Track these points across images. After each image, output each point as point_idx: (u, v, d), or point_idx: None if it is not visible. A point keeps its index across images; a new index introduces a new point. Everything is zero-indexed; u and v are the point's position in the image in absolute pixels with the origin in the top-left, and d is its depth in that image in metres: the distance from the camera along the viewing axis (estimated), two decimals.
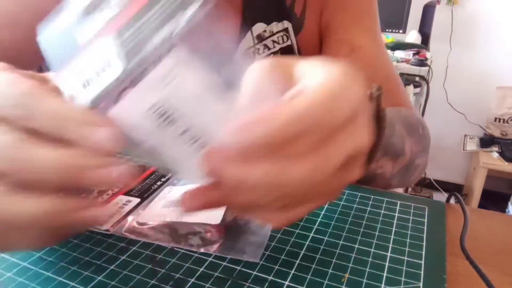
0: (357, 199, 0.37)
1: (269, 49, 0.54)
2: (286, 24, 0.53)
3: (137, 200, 0.36)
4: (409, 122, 0.46)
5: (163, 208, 0.34)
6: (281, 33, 0.53)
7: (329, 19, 0.53)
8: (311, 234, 0.32)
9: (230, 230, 0.31)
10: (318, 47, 0.55)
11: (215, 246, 0.30)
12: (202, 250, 0.29)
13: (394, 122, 0.41)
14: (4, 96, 0.20)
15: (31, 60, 0.53)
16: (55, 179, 0.21)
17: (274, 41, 0.54)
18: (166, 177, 0.40)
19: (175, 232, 0.31)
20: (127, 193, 0.38)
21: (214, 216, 0.31)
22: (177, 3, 0.20)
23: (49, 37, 0.21)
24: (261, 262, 0.29)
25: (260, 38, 0.53)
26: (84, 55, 0.21)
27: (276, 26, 0.53)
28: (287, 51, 0.54)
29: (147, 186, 0.39)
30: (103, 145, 0.20)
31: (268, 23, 0.53)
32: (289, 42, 0.54)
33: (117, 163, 0.21)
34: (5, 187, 0.21)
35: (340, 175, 0.20)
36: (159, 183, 0.39)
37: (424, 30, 2.04)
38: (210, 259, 0.29)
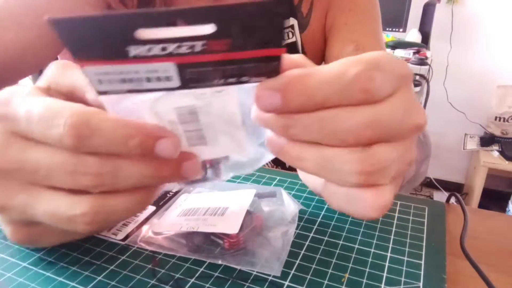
0: None
1: None
2: (292, 21, 0.54)
3: (153, 208, 0.35)
4: None
5: (179, 217, 0.33)
6: (287, 30, 0.54)
7: (333, 20, 0.55)
8: (311, 234, 0.32)
9: (249, 240, 0.30)
10: (321, 46, 0.56)
11: (234, 258, 0.29)
12: (219, 262, 0.29)
13: None
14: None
15: (36, 60, 0.53)
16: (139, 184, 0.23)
17: None
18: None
19: (192, 242, 0.30)
20: None
21: (232, 225, 0.30)
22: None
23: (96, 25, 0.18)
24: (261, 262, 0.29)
25: None
26: (134, 64, 0.19)
27: None
28: (291, 47, 0.55)
29: (162, 193, 0.38)
30: (167, 154, 0.22)
31: None
32: (294, 39, 0.55)
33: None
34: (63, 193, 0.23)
35: (401, 149, 0.21)
36: (174, 190, 0.39)
37: (425, 29, 2.03)
38: (210, 259, 0.29)
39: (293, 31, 0.54)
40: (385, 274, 0.28)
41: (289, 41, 0.55)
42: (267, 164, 0.62)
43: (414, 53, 1.91)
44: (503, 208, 1.95)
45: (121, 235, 0.32)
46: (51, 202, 0.23)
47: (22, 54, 0.51)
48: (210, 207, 0.33)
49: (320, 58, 0.59)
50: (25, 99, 0.23)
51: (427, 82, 1.87)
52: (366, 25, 0.54)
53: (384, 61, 0.19)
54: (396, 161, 0.20)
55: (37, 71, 0.73)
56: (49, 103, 0.22)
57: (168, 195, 0.38)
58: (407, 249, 0.30)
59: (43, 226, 0.26)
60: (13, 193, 0.24)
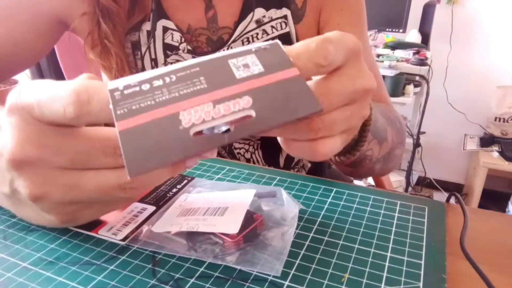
0: (357, 199, 0.37)
1: (267, 34, 0.55)
2: (285, 11, 0.54)
3: (153, 208, 0.35)
4: (388, 115, 0.50)
5: (179, 217, 0.33)
6: (280, 20, 0.55)
7: (328, 18, 0.55)
8: (311, 234, 0.32)
9: (248, 240, 0.30)
10: None
11: (234, 258, 0.29)
12: (219, 262, 0.29)
13: (375, 111, 0.43)
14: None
15: (27, 54, 0.53)
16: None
17: (272, 27, 0.55)
18: (182, 184, 0.40)
19: (191, 241, 0.30)
20: (142, 200, 0.37)
21: (232, 225, 0.30)
22: None
23: None
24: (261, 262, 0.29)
25: (259, 23, 0.54)
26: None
27: (275, 13, 0.54)
28: (285, 37, 0.55)
29: (162, 193, 0.38)
30: None
31: (267, 9, 0.54)
32: (287, 29, 0.55)
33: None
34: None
35: (354, 109, 0.26)
36: (174, 190, 0.39)
37: (424, 30, 2.03)
38: (210, 259, 0.29)
39: (286, 21, 0.54)
40: (385, 274, 0.28)
41: (283, 31, 0.55)
42: (261, 163, 0.61)
43: (414, 53, 1.91)
44: (503, 209, 1.96)
45: (121, 235, 0.32)
46: (98, 178, 0.25)
47: (13, 48, 0.51)
48: (210, 207, 0.33)
49: None
50: (33, 87, 0.24)
51: (427, 82, 1.87)
52: (354, 26, 0.56)
53: (334, 36, 0.24)
54: (347, 118, 0.26)
55: (30, 67, 0.73)
56: (52, 84, 0.24)
57: (168, 195, 0.38)
58: (407, 249, 0.30)
59: (83, 203, 0.28)
60: (54, 179, 0.25)
